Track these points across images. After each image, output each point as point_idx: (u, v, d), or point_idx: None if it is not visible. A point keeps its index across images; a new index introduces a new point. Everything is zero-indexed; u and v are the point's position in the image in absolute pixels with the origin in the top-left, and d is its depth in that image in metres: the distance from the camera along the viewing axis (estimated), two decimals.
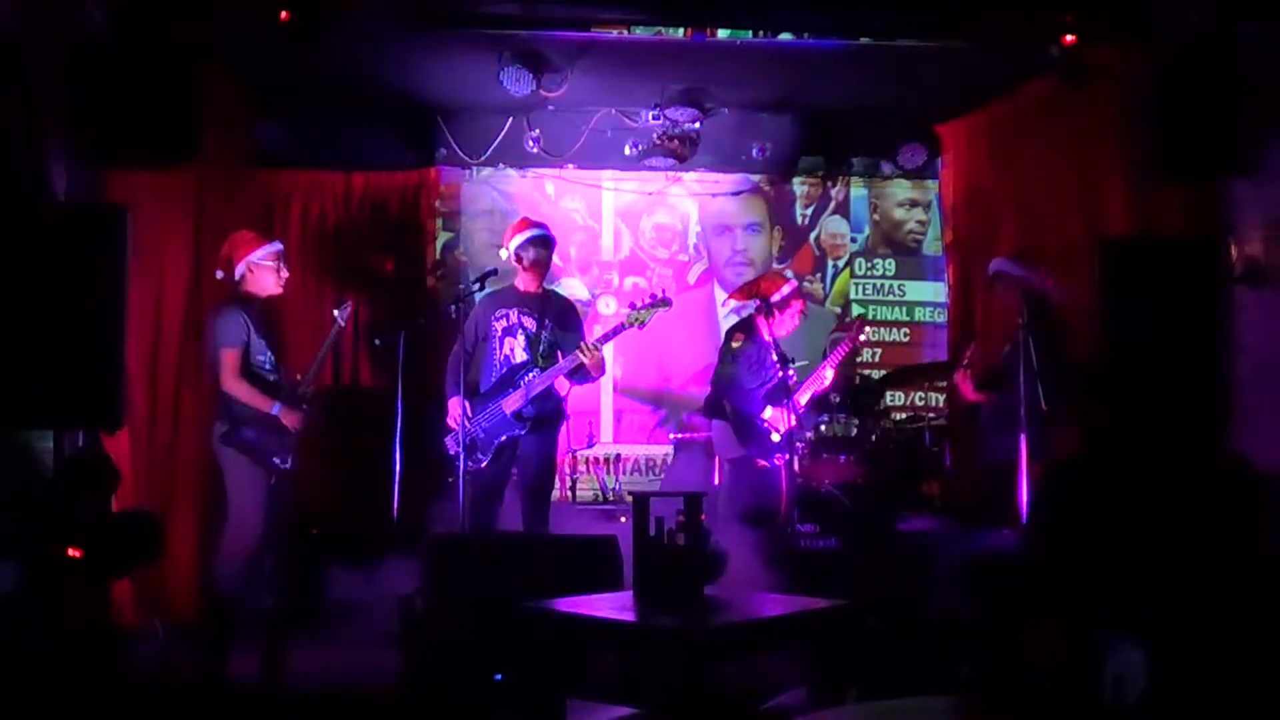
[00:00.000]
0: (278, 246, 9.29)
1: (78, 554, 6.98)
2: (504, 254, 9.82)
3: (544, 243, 9.70)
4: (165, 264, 9.71)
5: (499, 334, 9.58)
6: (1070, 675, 4.85)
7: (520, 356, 9.51)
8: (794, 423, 9.67)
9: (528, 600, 5.83)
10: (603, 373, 9.83)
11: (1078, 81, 9.53)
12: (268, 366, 9.16)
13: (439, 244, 12.41)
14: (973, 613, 6.88)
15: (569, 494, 11.74)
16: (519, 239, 9.65)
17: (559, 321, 9.68)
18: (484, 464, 9.32)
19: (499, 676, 6.61)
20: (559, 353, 9.56)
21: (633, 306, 9.55)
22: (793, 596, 6.28)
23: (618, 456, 12.42)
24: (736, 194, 12.96)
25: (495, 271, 9.63)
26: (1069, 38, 9.33)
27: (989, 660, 6.53)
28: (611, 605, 5.86)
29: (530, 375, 9.41)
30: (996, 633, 6.48)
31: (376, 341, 9.15)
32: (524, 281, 9.69)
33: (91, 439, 8.16)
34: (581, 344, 9.33)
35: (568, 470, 11.76)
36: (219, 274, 9.19)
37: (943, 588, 7.38)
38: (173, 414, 9.64)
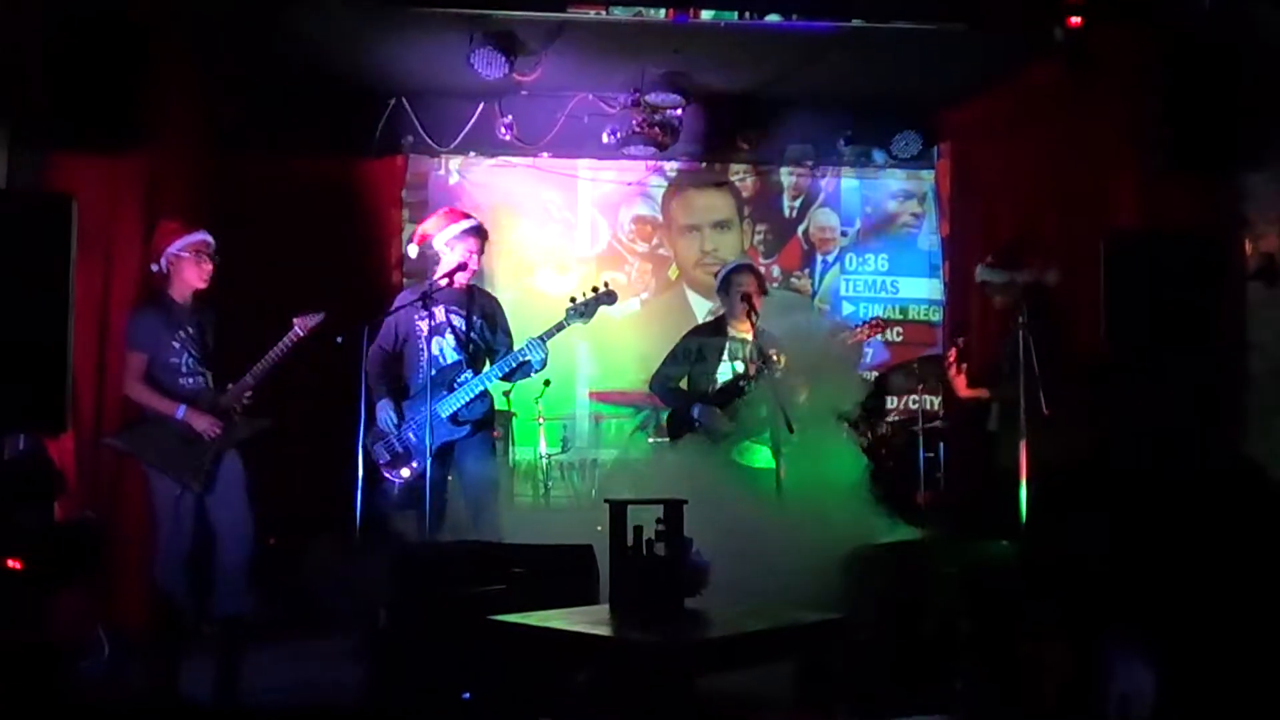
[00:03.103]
0: (197, 238, 9.09)
1: (17, 565, 6.94)
2: (414, 251, 9.79)
3: (479, 234, 9.57)
4: (114, 256, 9.61)
5: (424, 333, 9.45)
6: (1073, 694, 4.84)
7: (452, 356, 9.38)
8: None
9: (497, 614, 5.82)
10: (544, 368, 9.69)
11: (1084, 67, 9.52)
12: (184, 370, 9.05)
13: (405, 236, 12.36)
14: (969, 627, 6.87)
15: (543, 501, 11.73)
16: (451, 231, 9.53)
17: (487, 319, 9.57)
18: (420, 471, 9.21)
19: (467, 695, 6.59)
20: (487, 353, 9.51)
21: (573, 301, 9.46)
22: (779, 609, 6.27)
23: (594, 461, 12.41)
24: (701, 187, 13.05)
25: (465, 265, 9.53)
26: (1074, 20, 9.33)
27: (986, 677, 6.52)
28: (586, 619, 5.84)
29: (464, 376, 9.31)
30: (994, 648, 6.47)
31: (339, 339, 9.02)
32: (450, 277, 9.57)
33: (33, 442, 8.11)
34: (529, 340, 9.23)
35: (541, 477, 11.75)
36: (153, 267, 9.13)
37: (938, 600, 7.37)
38: (121, 416, 9.56)
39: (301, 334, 9.06)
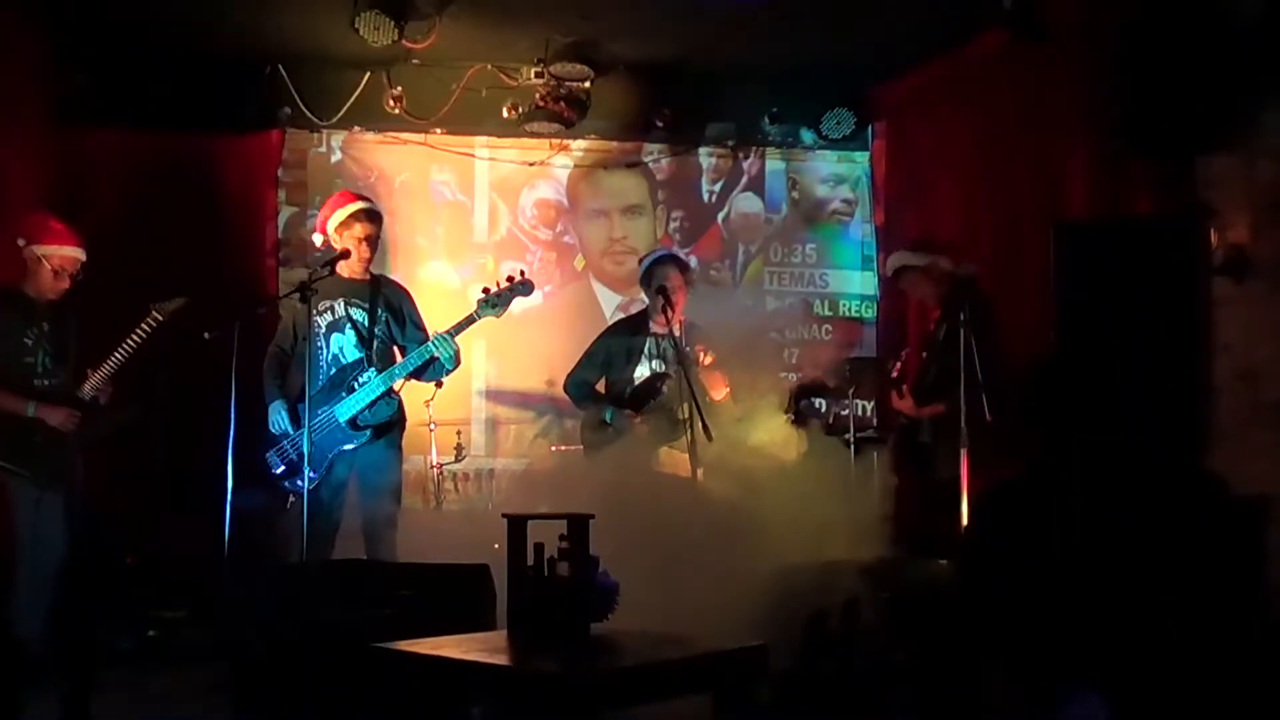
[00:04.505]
0: (69, 252, 8.99)
1: None
2: (319, 238, 9.71)
3: (370, 217, 9.50)
4: None
5: (323, 330, 9.42)
6: None
7: (352, 355, 9.33)
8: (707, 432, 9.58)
9: (383, 641, 5.79)
10: (458, 365, 9.65)
11: (1034, 38, 9.56)
12: (40, 369, 8.95)
13: (281, 220, 12.29)
14: (907, 657, 6.90)
15: (435, 515, 11.65)
16: (340, 215, 9.47)
17: (394, 312, 9.52)
18: (315, 481, 9.14)
19: None
20: (396, 348, 9.46)
21: (486, 292, 9.40)
22: (696, 635, 6.27)
23: (491, 471, 12.36)
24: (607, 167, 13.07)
25: (349, 254, 9.47)
26: None
27: (926, 712, 6.54)
28: (482, 646, 5.81)
29: (365, 376, 9.25)
30: (935, 680, 6.49)
31: (206, 334, 8.93)
32: (349, 267, 9.49)
33: None
34: (437, 335, 9.18)
35: (432, 489, 11.67)
36: (19, 242, 9.03)
37: (873, 627, 7.40)
38: None
39: (160, 319, 8.99)
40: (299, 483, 9.10)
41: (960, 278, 9.49)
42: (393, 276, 10.18)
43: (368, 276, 9.52)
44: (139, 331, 8.96)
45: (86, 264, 9.13)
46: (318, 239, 9.78)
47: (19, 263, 8.96)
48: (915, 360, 10.47)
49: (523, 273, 9.46)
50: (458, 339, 9.19)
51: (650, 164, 13.03)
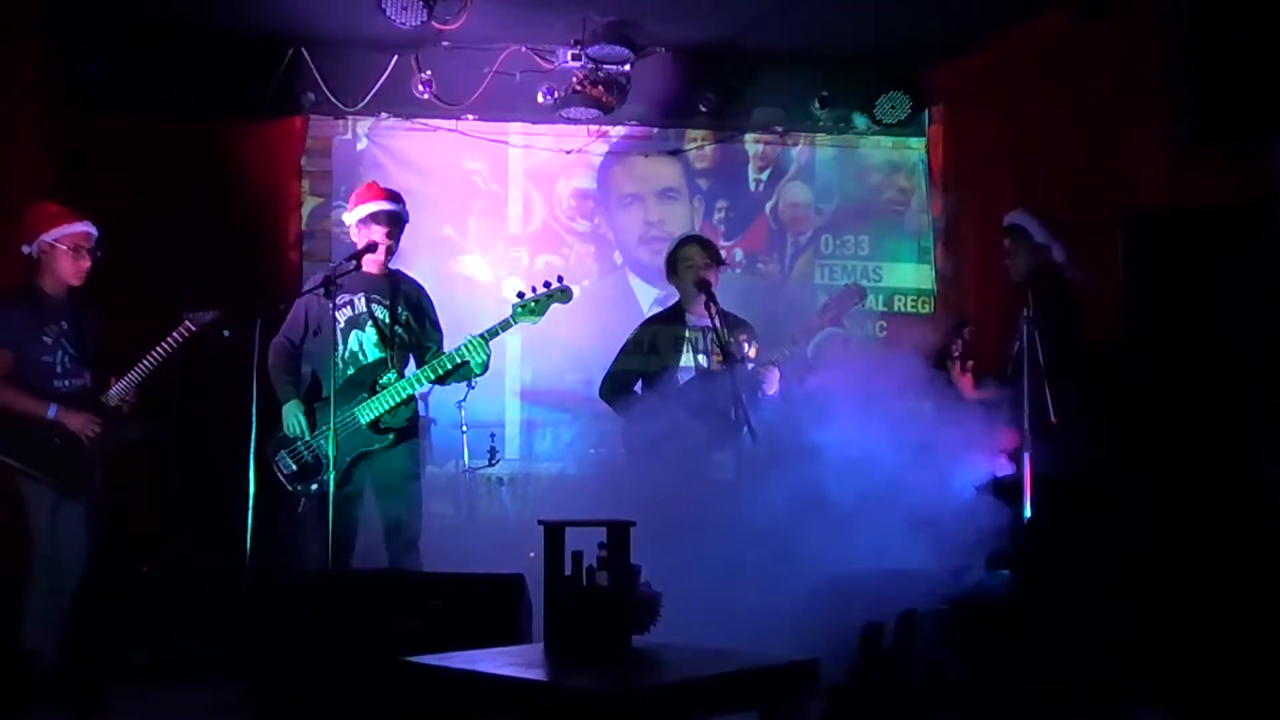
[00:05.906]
0: (78, 229, 9.01)
1: None
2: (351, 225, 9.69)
3: (389, 219, 9.46)
4: None
5: (342, 325, 9.40)
6: None
7: (372, 354, 9.34)
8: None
9: (412, 655, 5.80)
10: (486, 372, 9.62)
11: (1100, 15, 9.53)
12: (59, 370, 8.97)
13: (305, 211, 12.31)
14: (959, 672, 6.89)
15: (467, 522, 11.65)
16: (359, 212, 9.47)
17: (414, 311, 9.56)
18: (332, 487, 9.14)
19: None
20: (414, 350, 9.50)
21: (521, 297, 9.39)
22: (740, 651, 6.27)
23: (526, 475, 12.34)
24: (646, 155, 13.02)
25: (374, 247, 9.46)
26: None
27: None
28: (517, 661, 5.82)
29: (388, 377, 9.25)
30: (987, 697, 6.50)
31: (225, 333, 8.91)
32: (370, 261, 9.46)
33: None
34: (470, 339, 9.18)
35: (464, 495, 11.67)
36: (24, 248, 9.05)
37: (922, 640, 7.39)
38: None
39: (194, 329, 9.00)
40: (311, 486, 9.13)
41: (1055, 268, 9.43)
42: (412, 272, 10.09)
43: (386, 272, 9.51)
44: (169, 341, 8.98)
45: (100, 256, 9.15)
46: (349, 219, 9.76)
47: (30, 259, 8.99)
48: (979, 341, 10.43)
49: (561, 278, 9.41)
50: (491, 344, 9.21)
51: (694, 151, 12.98)
